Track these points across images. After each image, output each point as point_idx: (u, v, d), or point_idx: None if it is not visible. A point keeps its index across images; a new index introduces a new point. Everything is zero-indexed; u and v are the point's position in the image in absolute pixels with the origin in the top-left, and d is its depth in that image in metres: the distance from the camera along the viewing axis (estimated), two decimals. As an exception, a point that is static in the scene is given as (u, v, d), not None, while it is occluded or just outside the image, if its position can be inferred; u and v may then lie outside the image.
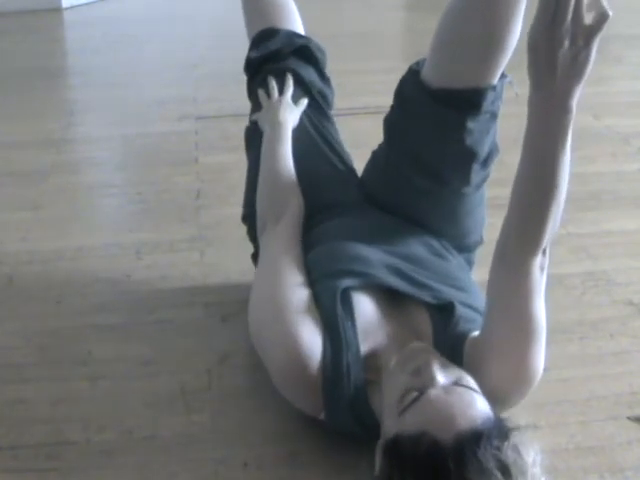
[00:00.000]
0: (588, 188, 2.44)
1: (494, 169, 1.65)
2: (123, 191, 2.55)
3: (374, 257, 1.50)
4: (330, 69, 1.98)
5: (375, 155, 1.73)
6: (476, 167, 1.57)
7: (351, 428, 1.37)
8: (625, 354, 1.70)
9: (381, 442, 1.21)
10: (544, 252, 1.26)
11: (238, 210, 1.89)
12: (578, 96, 1.14)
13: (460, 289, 1.48)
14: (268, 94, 1.84)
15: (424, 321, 1.41)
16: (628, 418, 1.52)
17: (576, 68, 1.11)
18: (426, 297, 1.43)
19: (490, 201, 1.69)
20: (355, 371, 1.34)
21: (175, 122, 3.07)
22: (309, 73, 1.89)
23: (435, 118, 1.54)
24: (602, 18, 1.09)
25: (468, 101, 1.51)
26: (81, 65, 4.02)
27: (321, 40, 1.97)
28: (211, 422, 1.52)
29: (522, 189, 1.23)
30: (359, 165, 1.81)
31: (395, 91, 1.65)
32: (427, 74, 1.55)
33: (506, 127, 1.65)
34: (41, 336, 1.80)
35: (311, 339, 1.35)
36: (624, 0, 5.08)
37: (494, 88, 1.51)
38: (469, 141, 1.53)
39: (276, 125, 1.76)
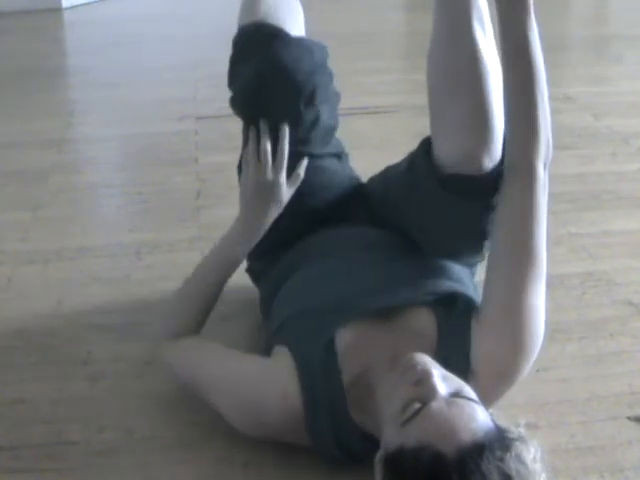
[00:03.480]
0: (588, 188, 2.44)
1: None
2: (123, 191, 2.55)
3: (355, 285, 1.47)
4: (330, 68, 1.95)
5: (378, 187, 1.69)
6: (487, 243, 1.51)
7: (339, 456, 1.38)
8: (625, 354, 1.70)
9: (382, 454, 1.20)
10: (545, 166, 1.36)
11: (238, 210, 1.88)
12: None
13: (455, 280, 1.48)
14: (258, 149, 1.59)
15: (425, 319, 1.40)
16: (628, 418, 1.52)
17: None
18: (423, 297, 1.42)
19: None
20: (336, 404, 1.34)
21: (175, 122, 3.07)
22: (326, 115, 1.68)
23: (447, 204, 1.47)
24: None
25: (480, 188, 1.44)
26: (81, 65, 4.02)
27: (321, 40, 1.95)
28: (211, 422, 1.52)
29: (506, 82, 1.37)
30: (358, 164, 1.81)
31: (406, 167, 1.56)
32: (435, 155, 1.47)
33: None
34: (41, 336, 1.80)
35: (282, 389, 1.36)
36: (624, 0, 5.09)
37: (501, 162, 1.43)
38: (482, 225, 1.48)
39: (240, 244, 1.62)
